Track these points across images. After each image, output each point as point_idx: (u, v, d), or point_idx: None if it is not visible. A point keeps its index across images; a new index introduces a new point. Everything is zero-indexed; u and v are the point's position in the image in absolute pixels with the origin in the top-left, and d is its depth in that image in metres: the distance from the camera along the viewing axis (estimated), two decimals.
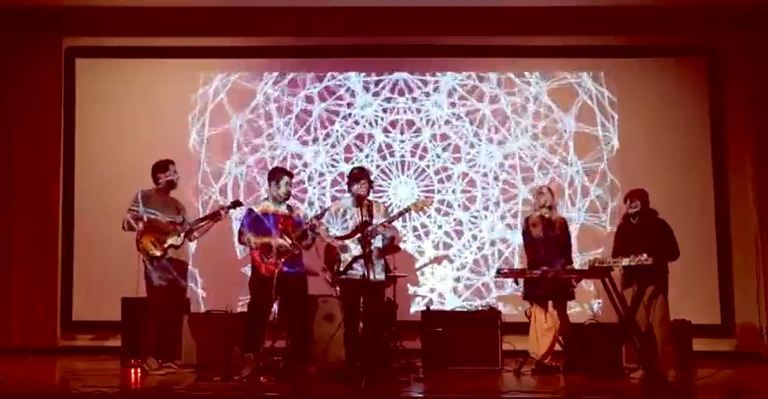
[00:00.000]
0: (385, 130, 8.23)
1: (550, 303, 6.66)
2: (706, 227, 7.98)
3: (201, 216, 6.98)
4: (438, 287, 8.05)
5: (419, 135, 8.23)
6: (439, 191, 8.12)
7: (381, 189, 8.10)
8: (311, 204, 8.12)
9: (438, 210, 8.12)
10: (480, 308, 7.35)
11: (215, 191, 8.20)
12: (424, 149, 8.21)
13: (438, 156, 8.19)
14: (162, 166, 6.77)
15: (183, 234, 6.66)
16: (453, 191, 8.16)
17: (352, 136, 8.24)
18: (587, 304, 7.85)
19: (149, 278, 6.58)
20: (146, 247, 6.55)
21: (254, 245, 6.40)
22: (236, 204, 6.83)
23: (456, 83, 8.25)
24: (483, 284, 8.04)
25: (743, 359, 7.50)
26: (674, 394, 5.86)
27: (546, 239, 6.67)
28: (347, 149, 8.23)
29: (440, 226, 8.13)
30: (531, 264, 6.66)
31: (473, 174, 8.17)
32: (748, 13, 7.96)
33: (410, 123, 8.24)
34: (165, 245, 6.58)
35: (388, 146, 8.22)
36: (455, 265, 8.09)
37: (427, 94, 8.25)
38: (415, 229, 8.12)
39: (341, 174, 7.99)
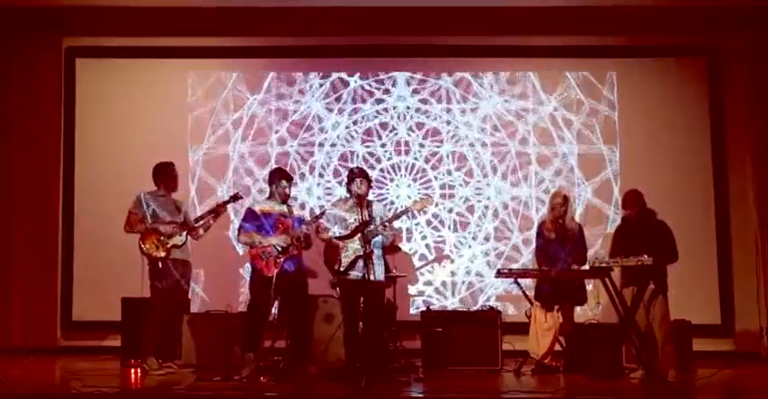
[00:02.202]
0: (396, 128, 8.22)
1: (557, 305, 6.66)
2: (706, 227, 7.98)
3: (201, 213, 6.98)
4: (436, 286, 8.05)
5: (430, 139, 8.21)
6: (437, 205, 8.08)
7: (381, 189, 8.10)
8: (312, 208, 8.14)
9: (428, 223, 8.11)
10: (481, 308, 7.35)
11: (216, 191, 8.19)
12: (439, 160, 8.18)
13: (449, 173, 8.18)
14: (162, 168, 6.79)
15: (185, 234, 6.67)
16: (450, 211, 8.16)
17: (352, 137, 8.25)
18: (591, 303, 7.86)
19: (153, 279, 6.58)
20: (149, 249, 6.56)
21: (254, 245, 6.41)
22: (235, 198, 6.85)
23: (494, 111, 8.21)
24: (483, 285, 8.03)
25: (743, 359, 7.49)
26: (674, 394, 5.86)
27: (557, 242, 6.68)
28: (368, 131, 8.23)
29: (424, 237, 8.13)
30: (541, 266, 6.68)
31: (475, 202, 8.15)
32: (748, 13, 7.96)
33: (435, 132, 8.21)
34: (168, 246, 6.59)
35: (396, 145, 8.23)
36: (455, 265, 8.08)
37: (446, 101, 8.24)
38: (414, 229, 8.12)
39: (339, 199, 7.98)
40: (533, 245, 7.07)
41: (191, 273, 6.89)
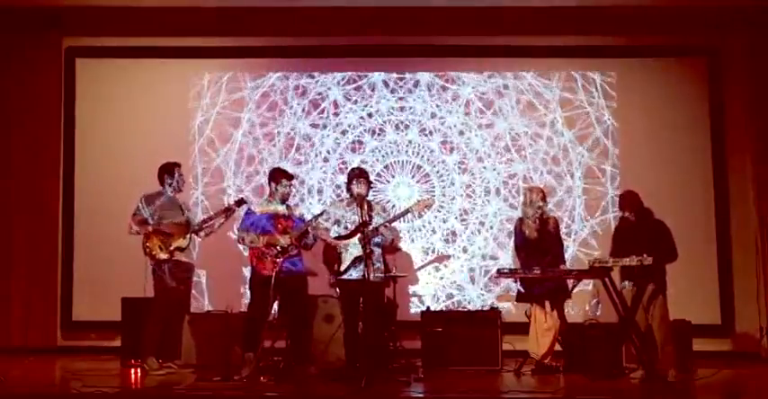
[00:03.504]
0: (396, 128, 8.23)
1: (548, 303, 6.66)
2: (706, 227, 7.98)
3: (206, 216, 6.98)
4: (420, 291, 8.05)
5: (430, 139, 8.20)
6: (441, 192, 8.10)
7: (381, 189, 8.10)
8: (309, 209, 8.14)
9: (434, 216, 8.11)
10: (480, 308, 7.35)
11: (215, 191, 8.19)
12: (432, 154, 8.18)
13: (443, 162, 8.18)
14: (168, 169, 6.78)
15: (188, 236, 6.67)
16: (452, 200, 8.15)
17: (353, 136, 8.25)
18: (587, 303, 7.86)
19: (156, 280, 6.58)
20: (152, 250, 6.55)
21: (254, 245, 6.41)
22: (240, 202, 6.84)
23: (475, 93, 8.22)
24: (465, 298, 8.03)
25: (743, 359, 7.49)
26: (674, 394, 5.86)
27: (539, 239, 6.67)
28: (350, 147, 8.23)
29: (434, 231, 8.13)
30: (524, 264, 6.67)
31: (476, 187, 8.17)
32: (748, 13, 7.96)
33: (423, 125, 8.21)
34: (171, 248, 6.58)
35: (393, 146, 8.22)
36: (440, 273, 8.08)
37: (446, 101, 8.23)
38: (415, 229, 8.12)
39: (339, 187, 8.00)
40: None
41: (193, 275, 6.89)
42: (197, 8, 8.05)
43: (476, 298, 7.97)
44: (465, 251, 8.08)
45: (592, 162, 8.13)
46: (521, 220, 6.82)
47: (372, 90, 8.29)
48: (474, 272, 8.06)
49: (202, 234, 6.81)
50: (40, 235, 8.11)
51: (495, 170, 8.15)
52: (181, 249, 6.62)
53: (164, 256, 6.55)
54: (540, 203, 6.70)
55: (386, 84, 8.29)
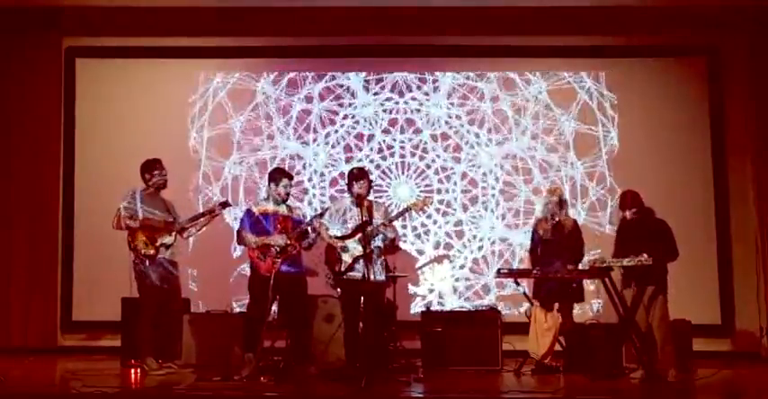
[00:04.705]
0: (385, 131, 8.23)
1: (556, 304, 6.65)
2: (706, 227, 7.98)
3: (193, 215, 6.96)
4: (437, 286, 8.04)
5: (419, 135, 8.22)
6: (439, 191, 8.12)
7: (381, 189, 8.10)
8: (310, 204, 8.13)
9: (438, 210, 8.12)
10: (481, 308, 7.36)
11: (215, 191, 8.19)
12: (424, 149, 8.21)
13: (438, 156, 8.19)
14: (148, 166, 6.76)
15: (174, 233, 6.66)
16: (453, 191, 8.17)
17: (352, 136, 8.24)
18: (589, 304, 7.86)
19: (141, 277, 6.56)
20: (138, 246, 6.53)
21: (253, 245, 6.41)
22: (225, 205, 6.82)
23: (456, 83, 8.26)
24: (483, 285, 8.04)
25: (743, 359, 7.49)
26: (674, 394, 5.86)
27: (553, 241, 6.66)
28: (347, 149, 8.24)
29: (439, 226, 8.13)
30: (535, 265, 6.66)
31: (473, 174, 8.18)
32: (748, 13, 7.96)
33: (410, 123, 8.24)
34: (157, 244, 6.56)
35: (389, 146, 8.23)
36: (455, 265, 8.08)
37: (427, 94, 8.25)
38: (414, 229, 8.12)
39: (341, 174, 8.00)
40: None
41: (178, 273, 6.83)
42: (197, 8, 8.06)
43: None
44: (467, 246, 8.11)
45: (591, 162, 8.12)
46: (538, 222, 6.84)
47: (372, 89, 8.29)
48: (459, 283, 8.06)
49: (190, 231, 6.79)
50: (40, 235, 8.11)
51: (492, 163, 8.17)
52: (166, 246, 6.61)
53: (149, 252, 6.53)
54: (555, 205, 6.70)
55: (385, 83, 8.28)
